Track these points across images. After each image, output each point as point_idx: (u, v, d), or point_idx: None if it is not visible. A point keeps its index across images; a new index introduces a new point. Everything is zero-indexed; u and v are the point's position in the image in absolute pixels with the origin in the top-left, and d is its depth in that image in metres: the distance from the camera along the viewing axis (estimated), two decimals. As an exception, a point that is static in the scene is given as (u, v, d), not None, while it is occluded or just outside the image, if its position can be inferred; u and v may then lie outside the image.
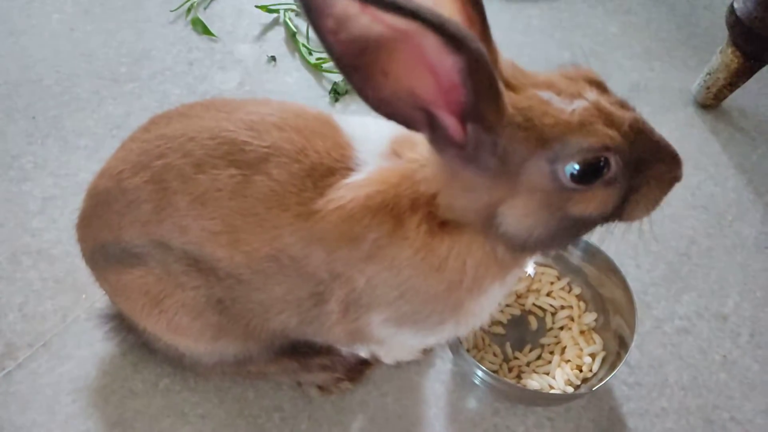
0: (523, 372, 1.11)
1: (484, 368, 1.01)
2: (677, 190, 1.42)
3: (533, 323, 1.17)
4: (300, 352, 1.03)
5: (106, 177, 0.87)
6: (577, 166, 0.66)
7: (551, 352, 1.13)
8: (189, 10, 1.69)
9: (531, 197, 0.69)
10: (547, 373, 1.10)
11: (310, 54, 1.59)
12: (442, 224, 0.75)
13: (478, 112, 0.63)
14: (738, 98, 1.56)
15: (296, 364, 1.04)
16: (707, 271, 1.29)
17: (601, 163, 0.67)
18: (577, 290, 1.19)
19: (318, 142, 0.80)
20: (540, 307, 1.19)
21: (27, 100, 1.48)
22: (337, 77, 1.55)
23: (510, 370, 1.12)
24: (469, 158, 0.68)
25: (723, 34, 1.44)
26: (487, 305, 0.85)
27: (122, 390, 1.09)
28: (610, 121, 0.67)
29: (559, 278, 1.21)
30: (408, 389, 1.10)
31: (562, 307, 1.18)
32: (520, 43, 1.67)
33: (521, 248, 0.75)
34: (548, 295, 1.20)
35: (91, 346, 1.13)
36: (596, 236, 0.80)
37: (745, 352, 1.18)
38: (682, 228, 1.34)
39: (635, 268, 1.28)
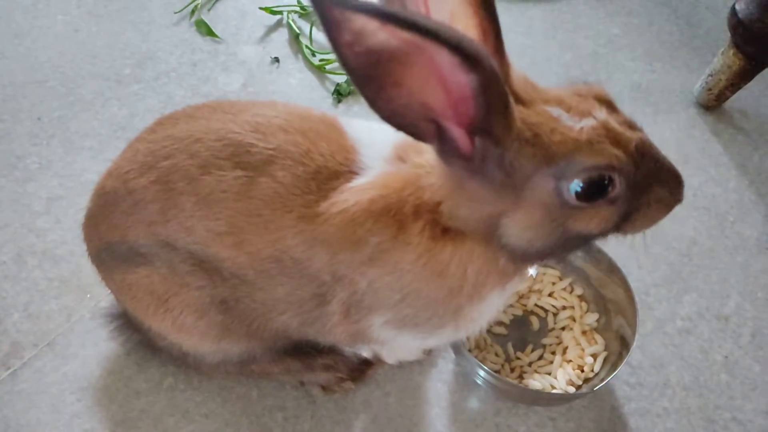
0: (524, 372, 1.12)
1: (486, 368, 1.02)
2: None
3: (535, 324, 1.18)
4: (303, 352, 1.04)
5: (113, 177, 0.88)
6: (581, 184, 0.68)
7: (553, 353, 1.14)
8: (193, 11, 1.70)
9: (534, 211, 0.71)
10: (549, 374, 1.10)
11: (314, 55, 1.60)
12: (444, 231, 0.76)
13: (488, 126, 0.64)
14: (740, 99, 1.56)
15: (299, 364, 1.05)
16: (708, 272, 1.29)
17: (606, 182, 0.68)
18: (578, 291, 1.20)
19: (323, 145, 0.81)
20: (542, 308, 1.20)
21: (32, 101, 1.49)
22: (340, 78, 1.56)
23: (512, 370, 1.12)
24: (475, 170, 0.69)
25: (725, 35, 1.45)
26: (487, 312, 0.86)
27: (126, 389, 1.10)
28: (617, 141, 0.68)
29: (561, 279, 1.21)
30: (410, 389, 1.11)
31: (564, 308, 1.19)
32: (522, 44, 1.68)
33: (521, 259, 0.77)
34: (550, 295, 1.20)
35: (95, 346, 1.14)
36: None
37: (747, 353, 1.19)
38: (684, 229, 1.35)
39: (637, 268, 1.29)
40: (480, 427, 1.08)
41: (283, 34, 1.68)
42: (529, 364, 1.13)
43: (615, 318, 1.13)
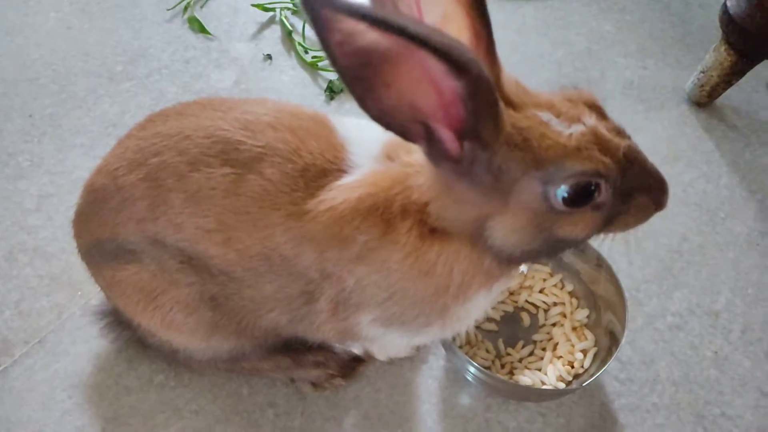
0: (515, 368, 1.12)
1: (476, 364, 1.02)
2: (670, 187, 1.43)
3: (526, 320, 1.18)
4: (293, 348, 1.04)
5: (102, 174, 0.88)
6: (569, 190, 0.68)
7: (543, 349, 1.14)
8: (185, 8, 1.69)
9: (520, 214, 0.71)
10: (539, 369, 1.11)
11: (306, 52, 1.60)
12: (432, 230, 0.77)
13: (476, 130, 0.65)
14: (731, 96, 1.57)
15: (289, 360, 1.05)
16: (699, 268, 1.30)
17: (592, 188, 0.69)
18: (569, 287, 1.20)
19: (312, 143, 0.81)
20: (533, 304, 1.20)
21: (24, 98, 1.48)
22: (333, 76, 1.56)
23: (502, 366, 1.12)
24: (463, 172, 0.69)
25: (717, 32, 1.45)
26: (473, 312, 0.86)
27: (117, 386, 1.10)
28: (605, 148, 0.69)
29: (551, 275, 1.22)
30: (401, 385, 1.11)
31: (555, 304, 1.19)
32: (515, 41, 1.68)
33: (507, 260, 0.78)
34: (541, 291, 1.21)
35: (86, 343, 1.14)
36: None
37: (737, 349, 1.19)
38: (675, 225, 1.35)
39: (627, 265, 1.29)
40: (470, 423, 1.08)
41: (275, 31, 1.68)
42: (520, 360, 1.13)
43: (605, 314, 1.14)
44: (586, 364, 1.10)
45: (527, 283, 1.21)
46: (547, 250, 0.76)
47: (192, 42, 1.64)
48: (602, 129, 0.70)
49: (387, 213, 0.76)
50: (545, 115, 0.69)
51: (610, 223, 0.75)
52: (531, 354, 1.14)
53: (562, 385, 1.08)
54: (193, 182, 0.79)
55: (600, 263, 1.14)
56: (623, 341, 1.05)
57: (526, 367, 1.12)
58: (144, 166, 0.82)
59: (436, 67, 0.57)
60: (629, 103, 1.57)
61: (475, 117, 0.63)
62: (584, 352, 1.12)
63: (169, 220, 0.81)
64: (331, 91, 1.52)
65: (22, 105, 1.47)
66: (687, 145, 1.50)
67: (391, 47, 0.56)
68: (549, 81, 1.60)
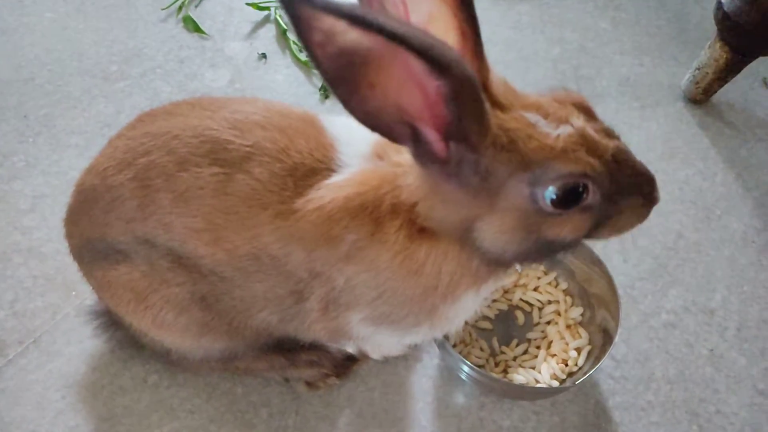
0: (509, 366, 1.12)
1: (470, 363, 1.02)
2: (665, 185, 1.43)
3: (520, 318, 1.18)
4: (287, 348, 1.04)
5: (92, 173, 0.88)
6: (556, 191, 0.68)
7: (538, 347, 1.14)
8: (180, 8, 1.69)
9: (508, 216, 0.71)
10: (533, 368, 1.11)
11: (301, 51, 1.60)
12: (421, 230, 0.77)
13: (462, 131, 0.65)
14: (727, 93, 1.56)
15: (283, 360, 1.05)
16: (695, 266, 1.29)
17: (580, 190, 0.69)
18: (564, 285, 1.20)
19: (301, 142, 0.81)
20: (527, 302, 1.20)
21: (18, 98, 1.48)
22: (327, 74, 1.55)
23: (497, 364, 1.12)
24: (450, 173, 0.69)
25: (713, 29, 1.44)
26: (462, 312, 0.86)
27: (111, 386, 1.10)
28: (593, 149, 0.68)
29: (546, 273, 1.21)
30: (395, 384, 1.11)
31: (549, 302, 1.19)
32: (510, 39, 1.68)
33: (496, 262, 0.78)
34: (535, 290, 1.20)
35: (80, 343, 1.14)
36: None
37: (732, 346, 1.19)
38: (670, 222, 1.35)
39: (622, 262, 1.29)
40: (464, 421, 1.08)
41: (270, 30, 1.67)
42: (514, 359, 1.13)
43: (599, 311, 1.13)
44: (580, 362, 1.10)
45: (522, 281, 1.21)
46: (537, 252, 0.76)
47: (187, 41, 1.64)
48: (590, 130, 0.69)
49: (376, 212, 0.76)
50: (533, 117, 0.69)
51: (601, 225, 0.74)
52: (525, 352, 1.14)
53: (556, 384, 1.08)
54: (182, 182, 0.79)
55: (594, 261, 1.14)
56: (617, 339, 1.05)
57: (521, 366, 1.11)
58: (133, 165, 0.82)
59: (418, 66, 0.57)
60: (625, 101, 1.56)
61: (459, 118, 0.62)
62: (578, 350, 1.11)
63: (159, 220, 0.81)
64: (326, 90, 1.52)
65: (17, 105, 1.47)
66: (683, 142, 1.49)
67: (373, 47, 0.56)
68: (545, 78, 1.60)
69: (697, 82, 1.51)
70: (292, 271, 0.80)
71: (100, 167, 0.86)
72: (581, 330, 1.14)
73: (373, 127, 0.63)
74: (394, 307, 0.81)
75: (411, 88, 0.60)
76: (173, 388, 1.10)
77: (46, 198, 1.32)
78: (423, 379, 1.12)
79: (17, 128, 1.43)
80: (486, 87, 0.69)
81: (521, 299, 1.20)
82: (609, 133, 0.72)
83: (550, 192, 0.68)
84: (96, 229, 0.87)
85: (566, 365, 1.10)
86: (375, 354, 1.09)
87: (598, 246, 1.20)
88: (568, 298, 1.19)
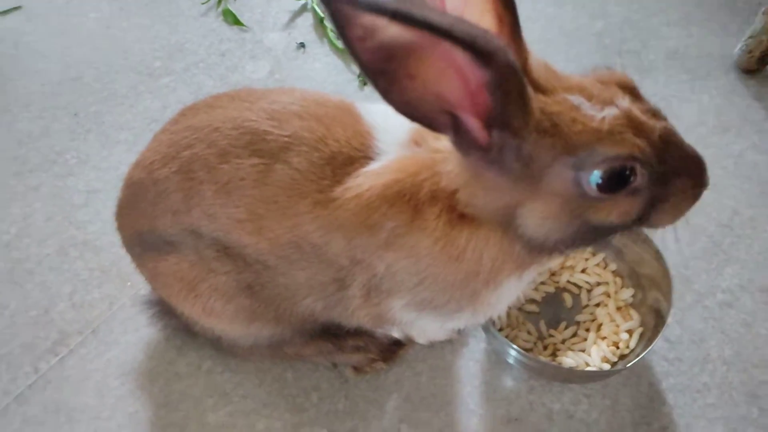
0: (558, 350, 1.10)
1: (517, 347, 1.01)
2: (719, 160, 1.38)
3: (568, 300, 1.16)
4: (334, 334, 1.05)
5: (139, 168, 0.90)
6: (601, 175, 0.66)
7: (587, 330, 1.12)
8: (219, 1, 1.71)
9: (552, 202, 0.70)
10: (583, 351, 1.09)
11: (338, 39, 1.60)
12: (461, 216, 0.76)
13: (504, 119, 0.63)
14: (784, 61, 1.49)
15: (330, 345, 1.07)
16: (750, 243, 1.24)
17: (627, 173, 0.67)
18: (612, 266, 1.17)
19: (338, 131, 0.81)
20: (575, 284, 1.18)
21: (69, 97, 1.53)
22: (366, 60, 1.55)
23: (545, 348, 1.11)
24: (492, 160, 0.68)
25: (766, -6, 1.38)
26: (504, 297, 0.85)
27: (167, 373, 1.13)
28: (640, 130, 0.66)
29: (593, 254, 1.19)
30: (442, 368, 1.11)
31: (598, 284, 1.17)
32: (551, 15, 1.63)
33: (539, 249, 0.76)
34: (583, 271, 1.18)
35: (136, 332, 1.18)
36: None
37: (792, 325, 1.15)
38: (724, 198, 1.30)
39: (675, 241, 1.23)
40: (513, 405, 1.07)
41: (307, 19, 1.68)
42: (563, 342, 1.11)
43: (650, 292, 1.11)
44: (632, 344, 1.08)
45: (568, 263, 1.19)
46: (582, 237, 0.74)
47: (227, 34, 1.66)
48: (636, 111, 0.67)
49: (414, 199, 0.75)
50: (576, 99, 0.67)
51: (653, 210, 0.72)
52: (574, 335, 1.12)
53: (606, 366, 1.06)
54: (223, 174, 0.81)
55: (644, 240, 1.11)
56: (670, 320, 1.02)
57: (570, 349, 1.10)
58: (177, 159, 0.84)
59: (460, 57, 0.56)
60: (673, 74, 1.51)
61: (502, 105, 0.62)
62: (629, 332, 1.09)
63: (203, 212, 0.83)
64: (364, 77, 1.51)
65: (67, 104, 1.52)
66: (736, 115, 1.43)
67: (414, 40, 0.55)
68: (589, 54, 1.56)
69: (751, 51, 1.45)
70: (333, 259, 0.81)
71: (146, 161, 0.88)
72: (632, 311, 1.11)
73: (413, 117, 0.63)
74: (435, 293, 0.81)
75: (451, 77, 0.60)
76: (226, 373, 1.13)
77: (99, 193, 1.37)
78: (470, 363, 1.12)
79: (69, 126, 1.48)
80: (526, 71, 0.68)
81: (569, 281, 1.18)
82: (656, 114, 0.70)
83: (596, 176, 0.66)
84: (145, 221, 0.89)
85: (617, 348, 1.08)
86: (421, 339, 1.09)
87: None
88: (618, 279, 1.16)
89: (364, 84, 1.52)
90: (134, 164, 0.92)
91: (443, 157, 0.76)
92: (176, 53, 1.62)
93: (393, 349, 1.09)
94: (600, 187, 0.67)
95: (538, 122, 0.65)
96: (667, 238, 1.22)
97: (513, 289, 0.84)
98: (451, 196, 0.75)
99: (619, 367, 1.05)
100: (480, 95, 0.61)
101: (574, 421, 1.06)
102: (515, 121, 0.64)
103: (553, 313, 1.15)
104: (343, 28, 0.53)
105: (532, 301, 1.16)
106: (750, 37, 1.44)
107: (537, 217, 0.71)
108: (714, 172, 1.39)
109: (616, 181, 0.67)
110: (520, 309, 1.15)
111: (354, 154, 0.80)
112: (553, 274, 1.19)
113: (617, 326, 1.10)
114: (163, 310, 1.12)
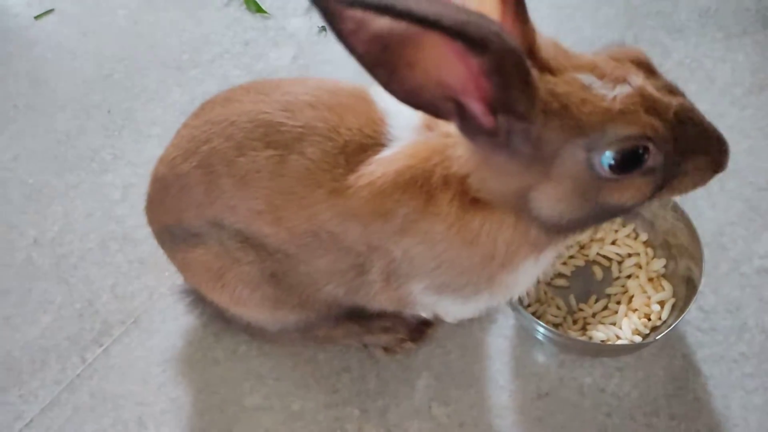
0: (588, 324, 1.09)
1: (544, 324, 1.01)
2: (756, 120, 1.33)
3: (598, 273, 1.15)
4: (361, 315, 1.07)
5: (163, 163, 0.93)
6: (614, 156, 0.65)
7: (618, 302, 1.11)
8: (241, -11, 1.72)
9: (564, 183, 0.69)
10: (614, 324, 1.08)
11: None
12: (474, 200, 0.76)
13: (508, 103, 0.62)
14: (826, 12, 1.42)
15: (359, 327, 1.08)
16: (790, 206, 1.20)
17: (640, 152, 0.66)
18: (643, 236, 1.15)
19: (351, 119, 0.82)
20: (605, 257, 1.16)
21: (101, 95, 1.58)
22: (387, 40, 1.54)
23: (575, 322, 1.10)
24: (500, 144, 0.67)
25: (804, -59, 1.30)
26: (522, 280, 0.85)
27: (206, 359, 1.18)
28: (654, 108, 0.65)
29: (624, 225, 1.17)
30: (471, 346, 1.12)
31: (629, 255, 1.15)
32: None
33: (554, 230, 0.76)
34: (613, 243, 1.16)
35: (176, 320, 1.22)
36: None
37: (837, 290, 1.11)
38: (761, 161, 1.25)
39: (710, 208, 1.21)
40: (543, 380, 1.07)
41: (328, 1, 1.67)
42: (593, 315, 1.10)
43: (681, 261, 1.08)
44: (664, 315, 1.06)
45: (598, 236, 1.17)
46: (596, 218, 0.74)
47: (250, 23, 1.67)
48: (650, 88, 0.66)
49: (427, 185, 0.76)
50: (587, 78, 0.65)
51: (665, 186, 0.71)
52: (605, 308, 1.11)
53: (638, 339, 1.05)
54: (241, 166, 0.83)
55: (674, 208, 1.08)
56: (701, 288, 1.00)
57: (600, 322, 1.09)
58: (197, 154, 0.86)
59: (455, 45, 0.56)
60: (707, 32, 1.45)
61: (504, 90, 0.61)
62: (661, 303, 1.07)
63: (224, 204, 0.85)
64: (387, 57, 1.51)
65: (101, 102, 1.56)
66: (775, 72, 1.37)
67: (406, 29, 0.55)
68: (617, 17, 1.51)
69: (790, 4, 1.37)
70: (350, 246, 0.82)
71: (169, 157, 0.91)
72: (664, 282, 1.09)
73: (416, 105, 0.63)
74: (453, 277, 0.82)
75: (451, 63, 0.59)
76: (261, 357, 1.16)
77: (135, 187, 1.41)
78: (499, 340, 1.12)
79: (103, 124, 1.53)
80: (532, 51, 0.66)
81: (598, 254, 1.16)
82: (672, 90, 0.68)
83: (608, 157, 0.65)
84: (171, 215, 0.92)
85: (649, 320, 1.07)
86: (448, 318, 1.10)
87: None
88: (649, 250, 1.14)
89: (387, 64, 1.51)
90: (159, 160, 0.95)
91: (454, 142, 0.75)
92: (202, 45, 1.65)
93: (421, 328, 1.10)
94: (612, 168, 0.66)
95: (546, 104, 0.64)
96: (701, 204, 1.21)
97: (530, 271, 0.84)
98: (463, 180, 0.75)
99: (650, 339, 1.04)
100: (481, 81, 0.60)
101: (606, 395, 1.05)
102: (520, 105, 0.63)
103: (583, 287, 1.14)
104: (333, 24, 0.53)
105: (561, 275, 1.15)
106: (788, -12, 1.37)
107: (550, 200, 0.71)
108: (750, 133, 1.35)
109: (629, 162, 0.66)
110: (549, 284, 1.14)
111: (367, 142, 0.80)
112: (582, 247, 1.17)
113: (648, 298, 1.08)
114: (199, 297, 1.16)
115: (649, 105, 0.65)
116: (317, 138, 0.80)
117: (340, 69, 1.52)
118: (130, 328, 1.23)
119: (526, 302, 1.10)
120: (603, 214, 0.74)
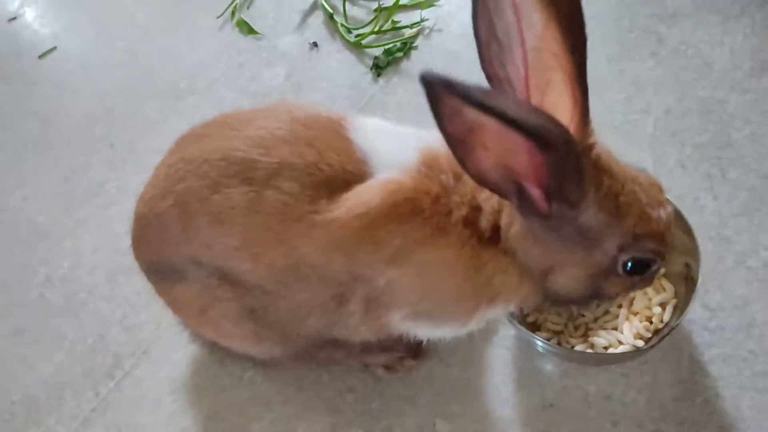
0: (590, 329, 1.07)
1: (541, 339, 0.99)
2: (758, 104, 1.29)
3: (599, 277, 1.12)
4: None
5: (142, 202, 0.95)
6: (635, 261, 0.79)
7: (619, 306, 1.08)
8: (233, 13, 1.74)
9: (586, 269, 0.80)
10: (615, 328, 1.05)
11: (349, 32, 1.59)
12: (490, 237, 0.82)
13: (563, 193, 0.71)
14: (829, -15, 1.35)
15: (358, 348, 1.08)
16: (797, 193, 1.15)
17: (652, 264, 0.81)
18: (643, 236, 1.12)
19: (332, 156, 0.83)
20: (605, 259, 1.13)
21: (104, 129, 1.61)
22: (378, 52, 1.54)
23: (576, 328, 1.08)
24: (551, 227, 0.76)
25: None
26: (493, 315, 0.91)
27: (213, 387, 1.19)
28: (669, 234, 0.80)
29: (622, 225, 1.14)
30: (472, 359, 1.11)
31: (630, 256, 1.12)
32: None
33: (547, 298, 0.86)
34: (612, 244, 1.13)
35: (183, 349, 1.24)
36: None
37: None
38: (764, 147, 1.20)
39: (712, 200, 1.18)
40: (547, 390, 1.06)
41: (318, 17, 1.68)
42: (594, 320, 1.08)
43: (679, 258, 1.05)
44: (666, 317, 1.03)
45: (597, 237, 1.14)
46: (585, 301, 0.87)
47: (243, 45, 1.69)
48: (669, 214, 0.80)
49: (439, 221, 0.80)
50: (639, 192, 0.76)
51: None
52: (606, 313, 1.08)
53: (641, 343, 1.02)
54: (215, 204, 0.83)
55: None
56: (706, 285, 0.99)
57: (601, 327, 1.06)
58: (172, 192, 0.87)
59: (526, 141, 0.62)
60: (702, 16, 1.40)
61: (560, 182, 0.69)
62: (662, 305, 1.04)
63: (201, 242, 0.86)
64: (378, 68, 1.51)
65: (104, 136, 1.60)
66: (776, 52, 1.32)
67: (489, 121, 0.60)
68: (610, 5, 1.48)
69: (788, -21, 1.32)
70: (332, 276, 0.83)
71: (147, 196, 0.92)
72: (665, 283, 1.06)
73: (484, 183, 0.72)
74: (436, 306, 0.86)
75: (519, 153, 0.66)
76: (266, 382, 1.17)
77: (138, 219, 1.44)
78: (501, 351, 1.11)
79: (107, 157, 1.56)
80: (589, 152, 0.74)
81: (598, 256, 1.13)
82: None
83: (631, 261, 0.79)
84: (153, 252, 0.94)
85: (650, 323, 1.04)
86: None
87: (680, 186, 1.10)
88: (650, 250, 1.11)
89: (378, 75, 1.51)
90: (139, 198, 0.97)
91: (476, 187, 0.79)
92: (198, 71, 1.67)
93: (418, 344, 1.09)
94: (627, 270, 0.79)
95: (601, 200, 0.74)
96: (702, 196, 1.17)
97: (500, 312, 0.91)
98: (490, 228, 0.81)
99: (652, 342, 1.01)
100: (542, 172, 0.67)
101: (611, 402, 1.03)
102: (573, 196, 0.72)
103: (584, 292, 1.12)
104: (434, 104, 0.59)
105: (560, 281, 1.13)
106: (785, -37, 1.31)
107: (567, 278, 0.81)
108: (752, 118, 1.30)
109: (640, 267, 0.80)
110: (548, 291, 1.12)
111: (350, 179, 0.82)
112: (581, 250, 1.15)
113: (649, 300, 1.05)
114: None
115: (669, 231, 0.80)
116: (295, 173, 0.81)
117: (333, 83, 1.55)
118: (140, 360, 1.25)
119: (524, 312, 1.08)
120: (593, 299, 0.86)
